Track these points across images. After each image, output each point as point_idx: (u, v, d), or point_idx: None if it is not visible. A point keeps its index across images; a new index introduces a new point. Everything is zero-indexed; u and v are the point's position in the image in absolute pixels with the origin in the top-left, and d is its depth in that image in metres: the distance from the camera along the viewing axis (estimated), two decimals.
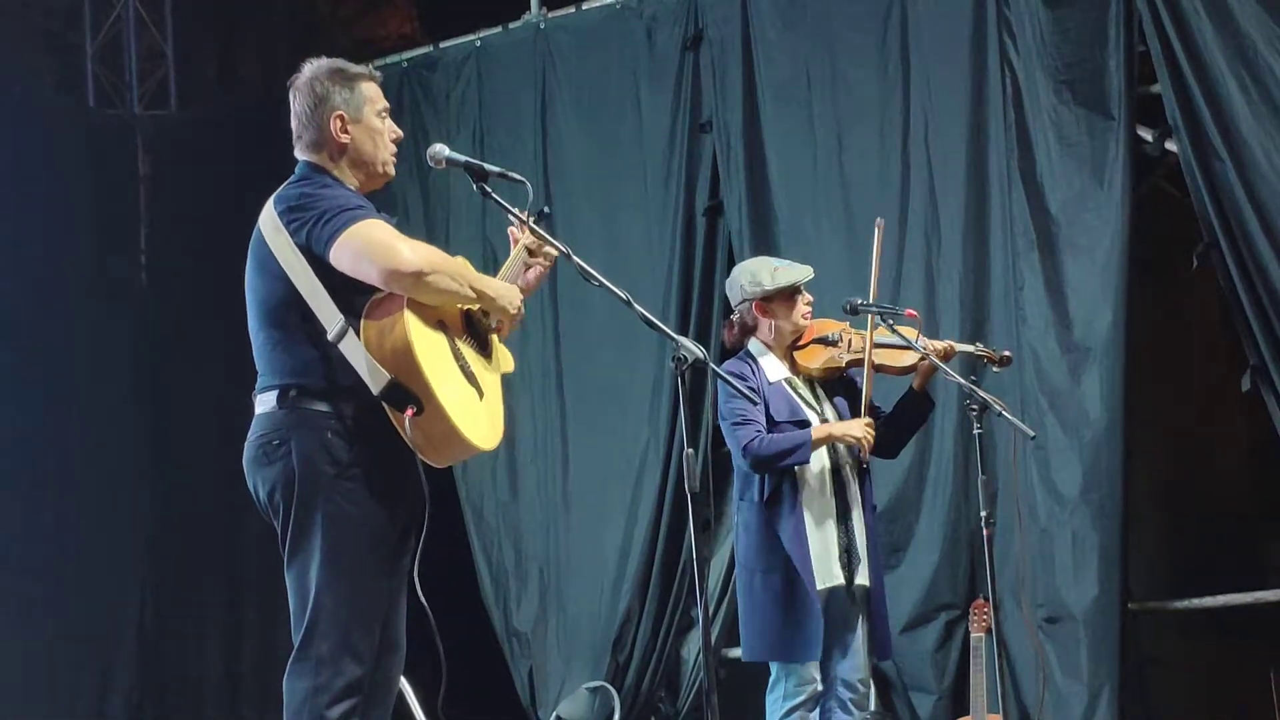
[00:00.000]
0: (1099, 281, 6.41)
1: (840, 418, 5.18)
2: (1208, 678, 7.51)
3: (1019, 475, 6.27)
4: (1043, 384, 6.50)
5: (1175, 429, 7.44)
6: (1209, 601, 6.75)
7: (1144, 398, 6.61)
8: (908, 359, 5.20)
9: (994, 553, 5.30)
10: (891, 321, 5.23)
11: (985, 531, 5.23)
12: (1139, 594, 6.66)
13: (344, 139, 3.78)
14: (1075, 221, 6.49)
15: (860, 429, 5.07)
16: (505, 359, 3.92)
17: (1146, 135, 6.55)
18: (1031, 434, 5.43)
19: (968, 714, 5.91)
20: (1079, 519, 6.38)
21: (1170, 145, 6.47)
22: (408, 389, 3.53)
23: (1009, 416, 5.27)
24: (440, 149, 3.86)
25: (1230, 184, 6.17)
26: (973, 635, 5.96)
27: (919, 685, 6.65)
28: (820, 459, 5.09)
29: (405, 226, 3.84)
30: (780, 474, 5.04)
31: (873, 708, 5.42)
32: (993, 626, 5.60)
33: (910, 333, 5.22)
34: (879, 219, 5.42)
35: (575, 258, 3.81)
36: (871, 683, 5.37)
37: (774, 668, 5.09)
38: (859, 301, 5.22)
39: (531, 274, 4.00)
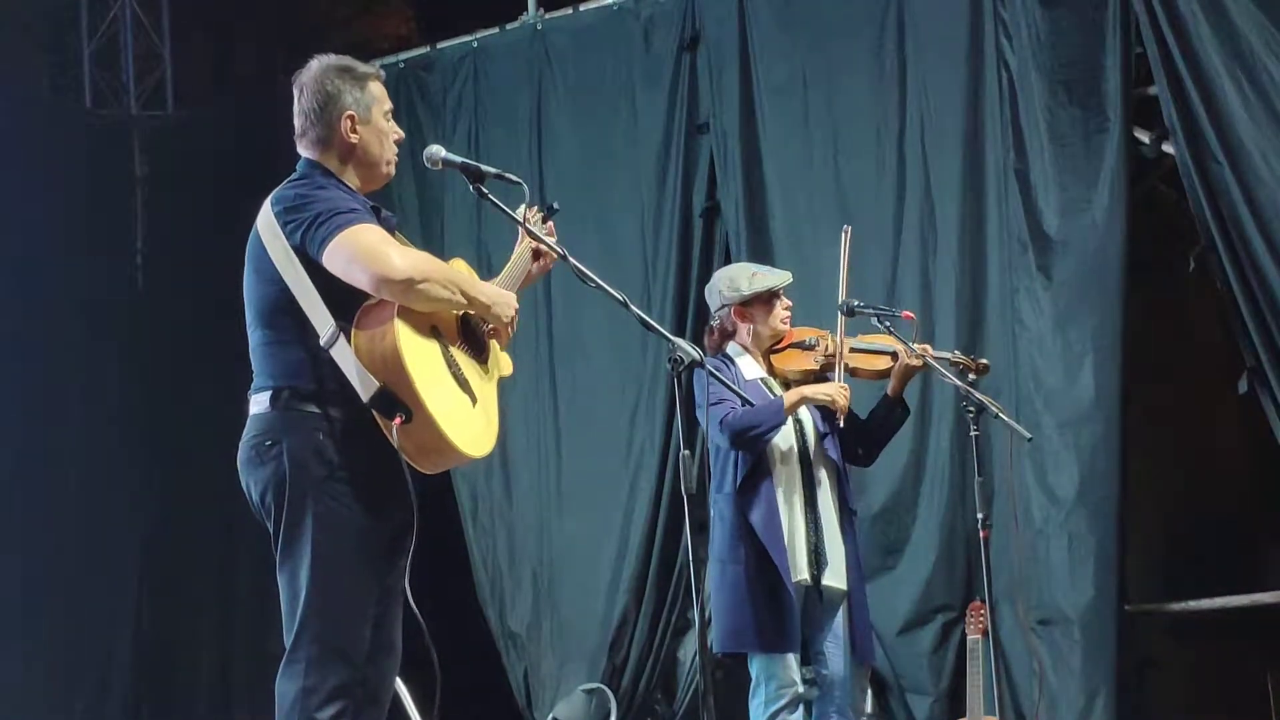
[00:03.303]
0: (1095, 283, 6.40)
1: (814, 421, 5.18)
2: (1204, 680, 7.49)
3: (1015, 477, 6.26)
4: (1039, 385, 6.49)
5: (1172, 431, 7.42)
6: (1206, 604, 6.75)
7: (1140, 400, 6.61)
8: (882, 363, 5.22)
9: (990, 555, 5.30)
10: (889, 324, 5.24)
11: (981, 533, 5.24)
12: (1135, 596, 6.64)
13: (353, 139, 3.77)
14: (1071, 223, 6.48)
15: (834, 389, 5.08)
16: (503, 363, 3.90)
17: (1143, 137, 6.54)
18: (1028, 436, 5.44)
19: (964, 716, 5.91)
20: (1075, 521, 6.37)
21: (1167, 147, 6.46)
22: (397, 397, 3.51)
23: (1005, 418, 5.27)
24: (437, 150, 3.85)
25: (1227, 186, 6.16)
26: (969, 637, 5.97)
27: (915, 687, 6.64)
28: (790, 450, 5.10)
29: (401, 227, 3.83)
30: (754, 463, 5.04)
31: (869, 710, 5.40)
32: (989, 629, 5.60)
33: (894, 339, 5.23)
34: (846, 226, 5.45)
35: (572, 259, 3.80)
36: (869, 685, 5.36)
37: (754, 671, 5.07)
38: (855, 303, 5.22)
39: (531, 271, 4.00)
